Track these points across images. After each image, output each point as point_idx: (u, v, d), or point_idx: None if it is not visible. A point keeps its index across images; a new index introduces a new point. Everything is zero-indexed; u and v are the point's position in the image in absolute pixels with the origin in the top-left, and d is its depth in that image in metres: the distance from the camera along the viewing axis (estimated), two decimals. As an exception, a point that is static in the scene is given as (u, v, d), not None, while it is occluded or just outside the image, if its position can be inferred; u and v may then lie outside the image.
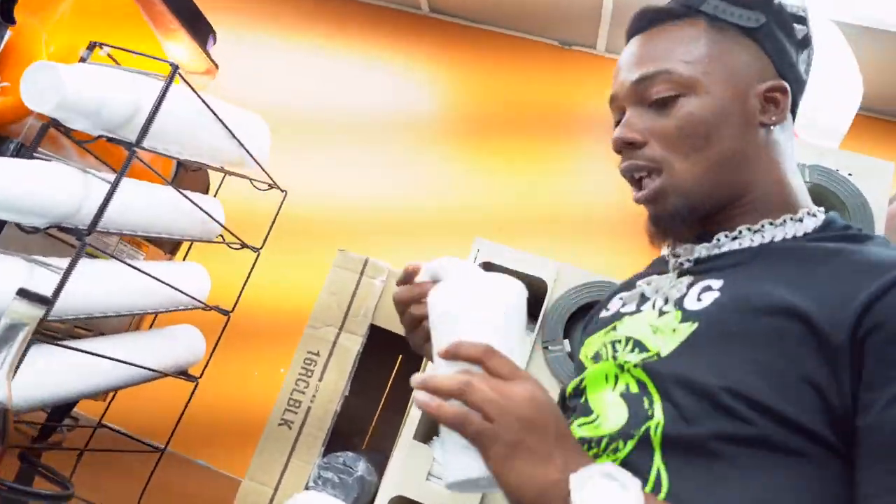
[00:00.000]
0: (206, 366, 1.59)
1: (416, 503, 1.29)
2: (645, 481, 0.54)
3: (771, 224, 0.66)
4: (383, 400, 1.78)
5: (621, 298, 0.75)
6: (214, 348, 1.59)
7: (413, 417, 1.31)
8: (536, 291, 1.51)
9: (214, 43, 1.65)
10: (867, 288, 0.53)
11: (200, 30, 1.59)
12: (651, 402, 0.58)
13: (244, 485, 1.42)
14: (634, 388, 0.60)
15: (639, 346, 0.63)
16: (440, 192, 2.37)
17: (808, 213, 0.68)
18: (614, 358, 0.65)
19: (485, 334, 0.53)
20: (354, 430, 1.66)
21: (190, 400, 1.55)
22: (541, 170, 2.37)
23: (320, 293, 1.39)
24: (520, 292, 0.57)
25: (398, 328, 1.38)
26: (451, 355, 0.53)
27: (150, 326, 1.64)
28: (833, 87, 1.29)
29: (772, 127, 0.68)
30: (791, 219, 0.67)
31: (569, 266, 1.44)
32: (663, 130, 0.66)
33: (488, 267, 1.38)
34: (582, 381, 0.69)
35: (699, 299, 0.62)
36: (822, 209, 0.69)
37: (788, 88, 0.68)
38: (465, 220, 2.31)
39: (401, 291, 0.67)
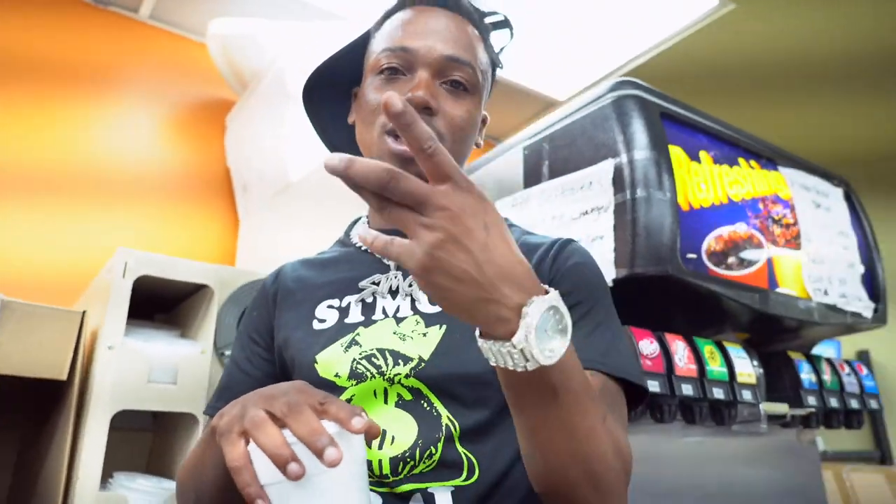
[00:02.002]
0: None
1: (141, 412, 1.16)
2: (460, 468, 0.61)
3: None
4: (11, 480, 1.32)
5: (332, 306, 0.72)
6: None
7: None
8: (193, 295, 1.36)
9: None
10: (545, 266, 0.68)
11: None
12: (430, 404, 0.63)
13: None
14: (408, 396, 0.64)
15: (399, 357, 0.65)
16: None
17: None
18: (381, 374, 0.65)
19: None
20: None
21: None
22: (70, 128, 2.10)
23: None
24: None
25: (22, 369, 1.03)
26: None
27: None
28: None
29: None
30: None
31: (227, 268, 1.35)
32: (452, 114, 0.69)
33: (143, 283, 1.17)
34: (349, 402, 0.67)
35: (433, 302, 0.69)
36: None
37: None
38: None
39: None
